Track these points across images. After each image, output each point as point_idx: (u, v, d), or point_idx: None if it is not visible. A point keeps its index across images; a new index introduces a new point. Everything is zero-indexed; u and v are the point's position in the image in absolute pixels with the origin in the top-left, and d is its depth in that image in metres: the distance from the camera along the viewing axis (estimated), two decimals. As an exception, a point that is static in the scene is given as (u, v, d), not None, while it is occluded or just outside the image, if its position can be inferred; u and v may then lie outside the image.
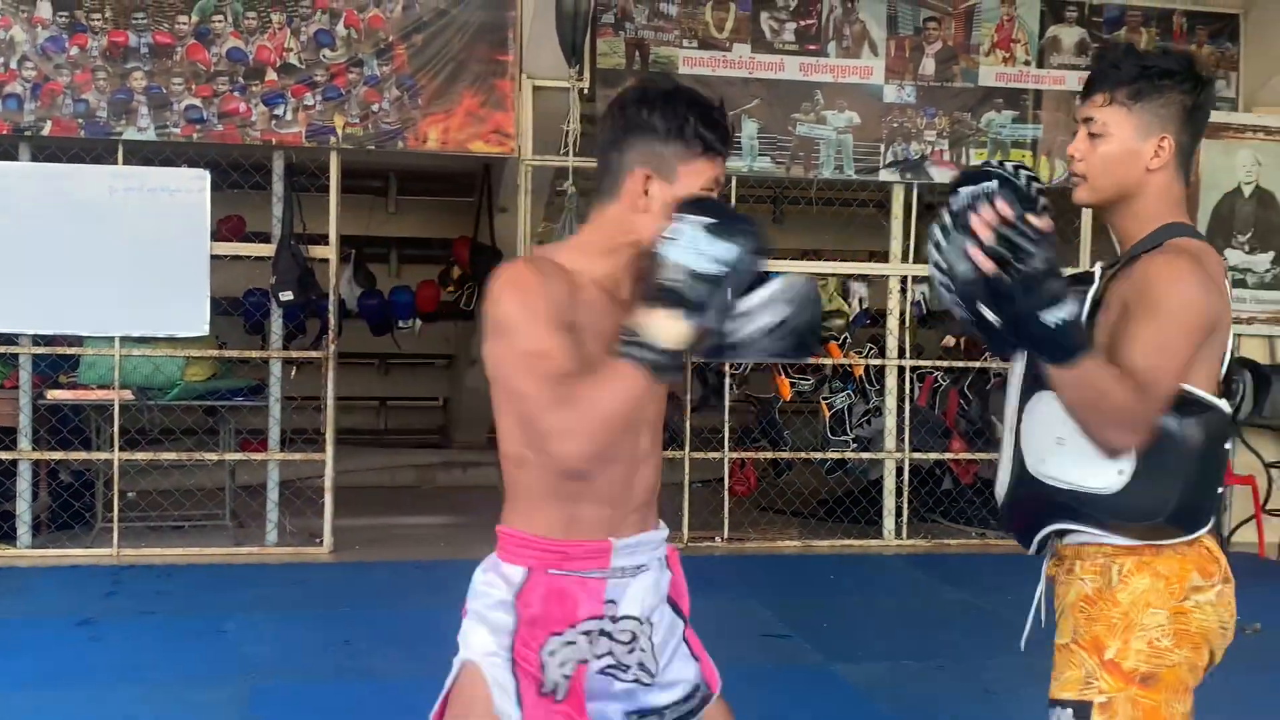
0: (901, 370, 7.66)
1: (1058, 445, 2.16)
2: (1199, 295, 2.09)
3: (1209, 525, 2.22)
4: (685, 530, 7.11)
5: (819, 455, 7.91)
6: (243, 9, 6.62)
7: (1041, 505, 2.23)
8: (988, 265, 1.97)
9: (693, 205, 1.98)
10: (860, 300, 7.88)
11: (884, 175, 7.36)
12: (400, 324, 9.77)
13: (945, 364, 8.11)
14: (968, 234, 1.99)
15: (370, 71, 6.73)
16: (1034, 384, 2.20)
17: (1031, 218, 1.98)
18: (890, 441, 7.62)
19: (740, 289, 1.98)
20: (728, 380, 7.42)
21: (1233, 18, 7.73)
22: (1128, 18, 7.59)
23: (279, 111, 6.65)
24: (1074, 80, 7.49)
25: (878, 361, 7.72)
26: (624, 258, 2.11)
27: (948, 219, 2.04)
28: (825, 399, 7.83)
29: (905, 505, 7.62)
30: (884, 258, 7.70)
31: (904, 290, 7.60)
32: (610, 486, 2.13)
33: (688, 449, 7.24)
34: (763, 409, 8.09)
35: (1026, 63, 7.49)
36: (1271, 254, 7.62)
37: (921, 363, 8.03)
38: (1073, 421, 2.09)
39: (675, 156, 2.05)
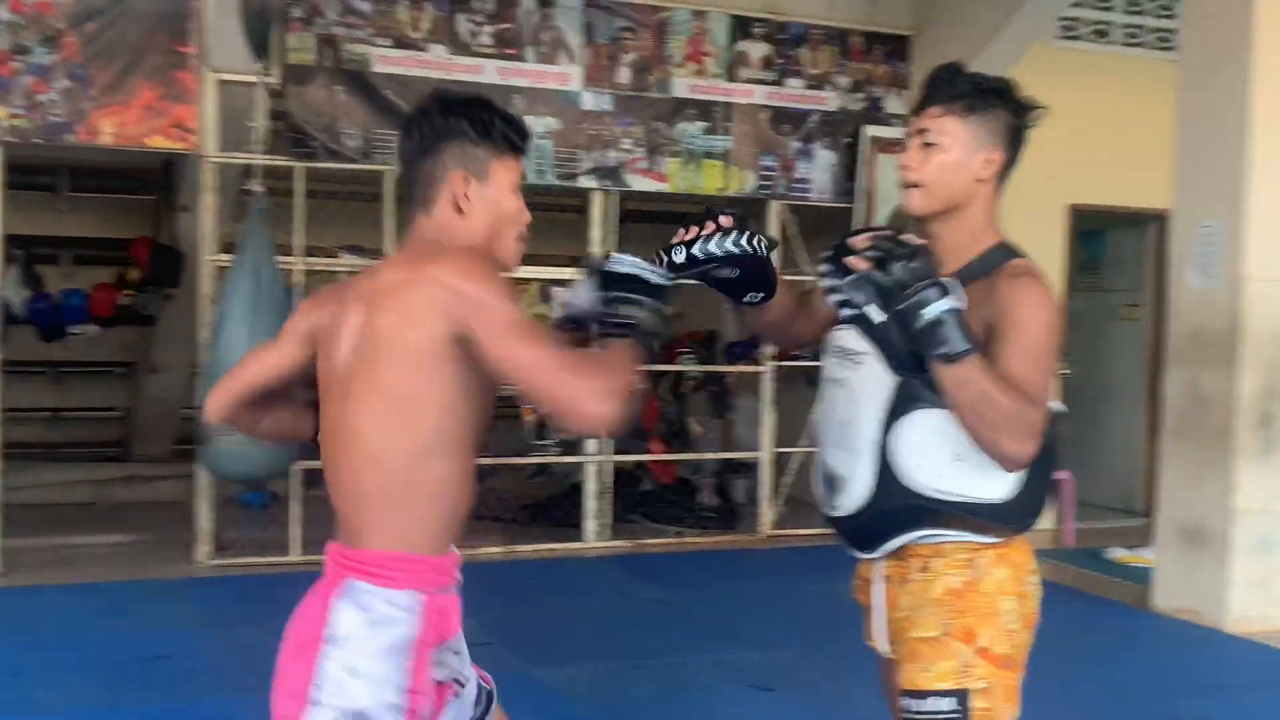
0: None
1: (956, 461, 2.24)
2: (1056, 317, 2.25)
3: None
4: (385, 540, 6.98)
5: (521, 460, 7.96)
6: (-115, -15, 6.07)
7: (911, 515, 2.31)
8: (862, 265, 2.19)
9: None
10: (562, 305, 7.97)
11: (583, 182, 7.48)
12: (73, 330, 9.18)
13: (644, 368, 8.29)
14: (848, 251, 2.23)
15: (37, 60, 6.30)
16: (908, 403, 2.27)
17: (904, 236, 2.19)
18: (592, 444, 7.75)
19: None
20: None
21: (905, 39, 8.28)
22: (810, 35, 8.00)
23: (-71, 99, 6.13)
24: (762, 94, 7.85)
25: (577, 365, 7.82)
26: None
27: (832, 247, 2.28)
28: (527, 404, 7.88)
29: (607, 507, 7.76)
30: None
31: (603, 295, 7.72)
32: (469, 492, 2.11)
33: (387, 457, 7.11)
34: (463, 415, 8.06)
35: (717, 75, 7.78)
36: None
37: (620, 366, 8.17)
38: (966, 435, 2.19)
39: (487, 156, 2.12)
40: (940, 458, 2.26)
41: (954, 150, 2.32)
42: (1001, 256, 2.34)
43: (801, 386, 8.83)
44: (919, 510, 2.30)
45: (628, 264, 2.23)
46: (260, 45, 6.36)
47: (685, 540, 7.96)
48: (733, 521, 8.33)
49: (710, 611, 6.15)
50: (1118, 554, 7.50)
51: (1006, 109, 2.35)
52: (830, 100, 8.05)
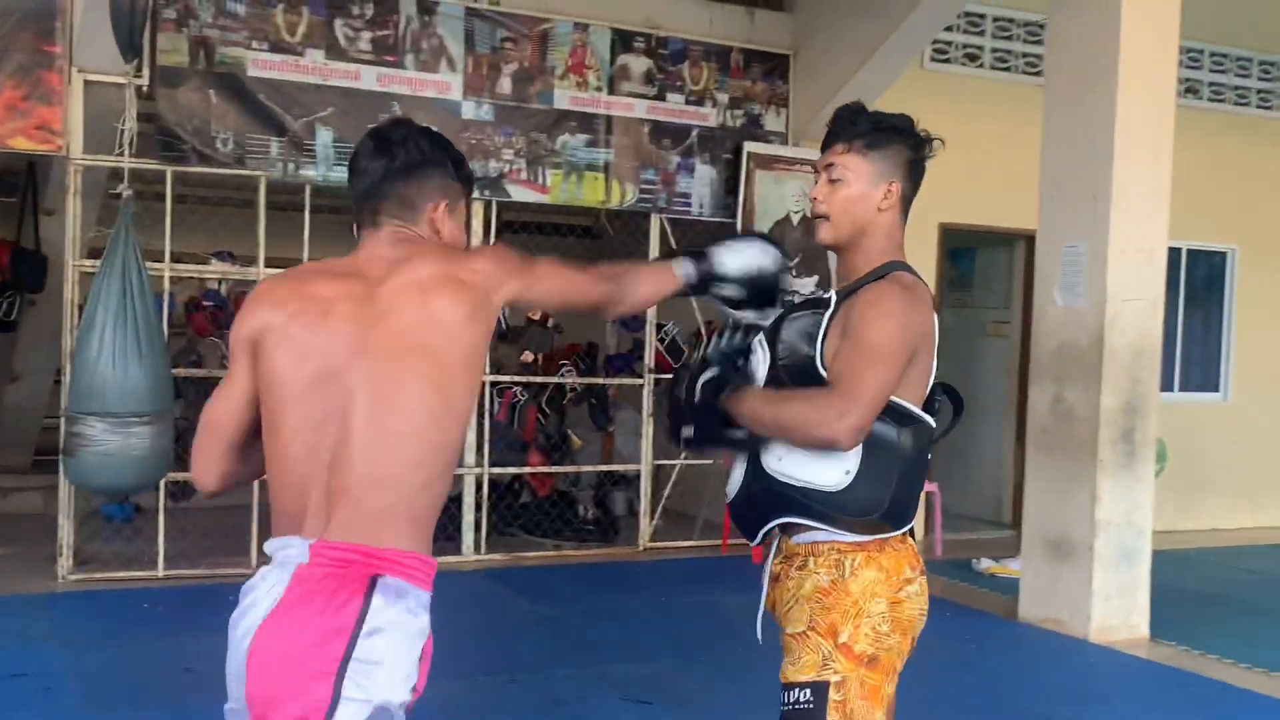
0: (481, 385, 7.72)
1: (792, 448, 2.43)
2: (899, 322, 2.41)
3: (911, 523, 2.53)
4: (254, 555, 6.85)
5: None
6: None
7: (774, 500, 2.48)
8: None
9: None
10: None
11: (462, 191, 7.41)
12: (-75, 336, 8.80)
13: (524, 379, 8.28)
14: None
15: (-111, 53, 6.04)
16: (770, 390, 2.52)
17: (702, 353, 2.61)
18: (469, 456, 7.68)
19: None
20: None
21: (784, 58, 8.40)
22: (689, 51, 8.07)
23: None
24: (643, 108, 7.89)
25: (456, 377, 7.75)
26: None
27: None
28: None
29: (484, 519, 7.71)
30: (463, 273, 7.73)
31: (482, 306, 7.67)
32: None
33: (258, 469, 6.96)
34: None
35: (599, 88, 7.80)
36: (816, 277, 8.32)
37: (500, 378, 8.16)
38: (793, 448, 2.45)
39: (459, 191, 2.33)
40: (783, 443, 2.45)
41: (856, 184, 2.53)
42: (882, 272, 2.51)
43: (680, 399, 8.89)
44: (774, 495, 2.47)
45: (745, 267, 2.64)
46: (130, 46, 6.18)
47: (564, 553, 7.94)
48: (611, 534, 8.33)
49: (588, 625, 6.14)
50: (986, 565, 7.70)
51: (905, 144, 2.55)
52: (710, 116, 8.13)
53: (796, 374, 2.47)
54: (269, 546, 2.12)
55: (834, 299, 2.50)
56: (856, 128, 2.53)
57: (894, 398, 2.41)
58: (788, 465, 2.44)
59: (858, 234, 2.54)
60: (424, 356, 2.09)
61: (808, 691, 2.41)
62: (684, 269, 2.58)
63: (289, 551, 2.08)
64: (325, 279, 2.20)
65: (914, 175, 2.57)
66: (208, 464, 2.23)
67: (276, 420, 2.11)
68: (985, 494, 9.67)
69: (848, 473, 2.40)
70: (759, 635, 2.60)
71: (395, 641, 2.03)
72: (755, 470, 2.50)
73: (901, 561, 2.47)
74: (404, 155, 2.26)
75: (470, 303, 2.12)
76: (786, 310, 2.59)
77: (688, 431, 2.55)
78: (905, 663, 2.50)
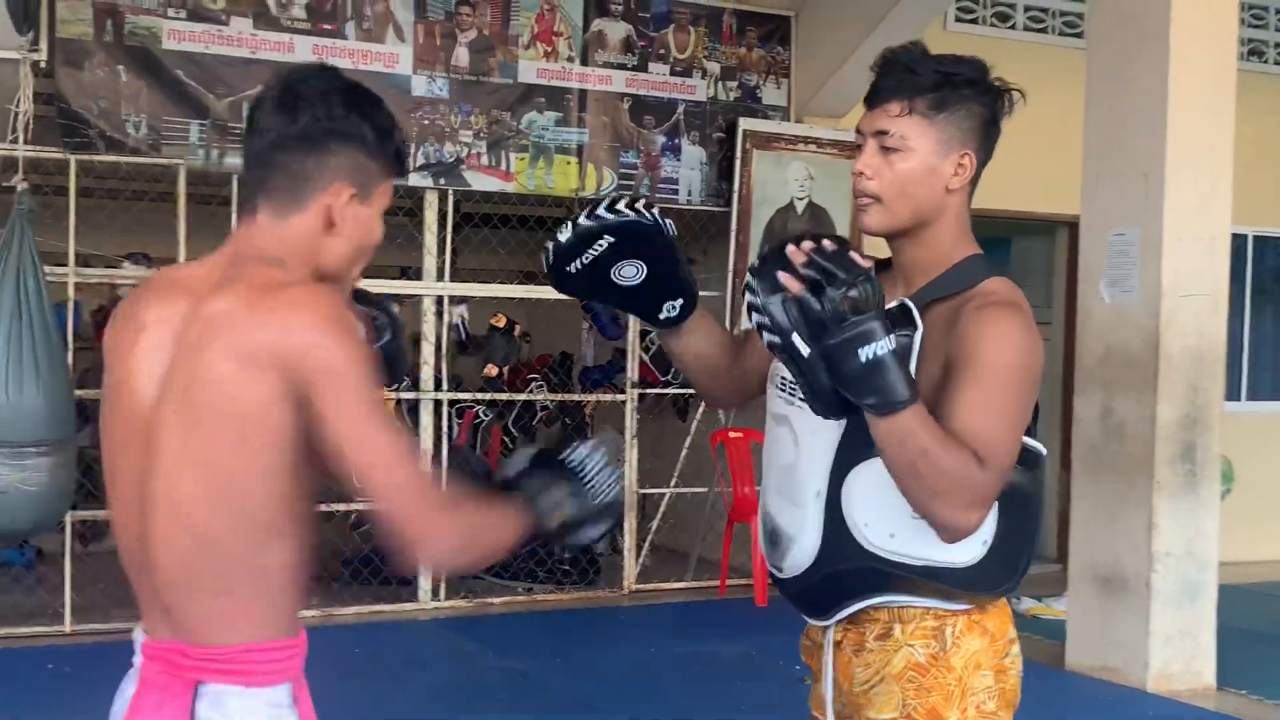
0: (438, 404, 7.69)
1: (914, 519, 2.14)
2: (1031, 355, 2.14)
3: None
4: (177, 605, 6.79)
5: (341, 507, 7.79)
6: None
7: (873, 581, 2.24)
8: (795, 285, 2.00)
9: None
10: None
11: (414, 179, 7.38)
12: None
13: (488, 397, 8.24)
14: (782, 263, 2.03)
15: None
16: (859, 448, 2.18)
17: (851, 254, 2.04)
18: (425, 488, 7.62)
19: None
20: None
21: (784, 20, 8.39)
22: (675, 14, 8.05)
23: None
24: (621, 81, 7.87)
25: (410, 395, 7.70)
26: (307, 275, 2.00)
27: (762, 257, 2.10)
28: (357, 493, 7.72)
29: (443, 561, 7.64)
30: (417, 275, 7.72)
31: (440, 313, 7.64)
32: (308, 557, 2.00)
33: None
34: (273, 454, 7.88)
35: (570, 59, 7.77)
36: (826, 274, 8.29)
37: (461, 395, 8.11)
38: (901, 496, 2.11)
39: (377, 174, 2.03)
40: (895, 515, 2.18)
41: (919, 155, 2.22)
42: (974, 274, 2.25)
43: (670, 417, 8.87)
44: (873, 574, 2.23)
45: (583, 458, 2.19)
46: (25, 15, 6.14)
47: (536, 598, 7.89)
48: (591, 575, 8.29)
49: (562, 681, 6.09)
50: (1028, 605, 7.68)
51: (980, 101, 2.25)
52: (699, 89, 8.11)
53: (831, 404, 2.14)
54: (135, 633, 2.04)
55: (916, 315, 2.17)
56: (919, 79, 2.20)
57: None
58: (904, 543, 2.18)
59: (920, 221, 2.25)
60: (200, 414, 1.86)
61: None
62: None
63: (136, 646, 2.01)
64: (159, 290, 2.00)
65: (990, 139, 2.28)
66: None
67: (107, 476, 1.99)
68: (1025, 522, 9.65)
69: (985, 544, 2.19)
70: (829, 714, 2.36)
71: None
72: (843, 545, 2.23)
73: (1005, 621, 2.31)
74: (307, 117, 1.96)
75: (245, 361, 1.84)
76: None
77: (802, 347, 2.03)
78: None
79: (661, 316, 2.45)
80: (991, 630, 2.28)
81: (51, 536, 6.84)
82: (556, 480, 2.11)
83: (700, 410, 8.36)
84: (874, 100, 2.27)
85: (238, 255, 1.98)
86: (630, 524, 8.12)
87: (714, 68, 8.16)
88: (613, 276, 2.40)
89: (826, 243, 2.06)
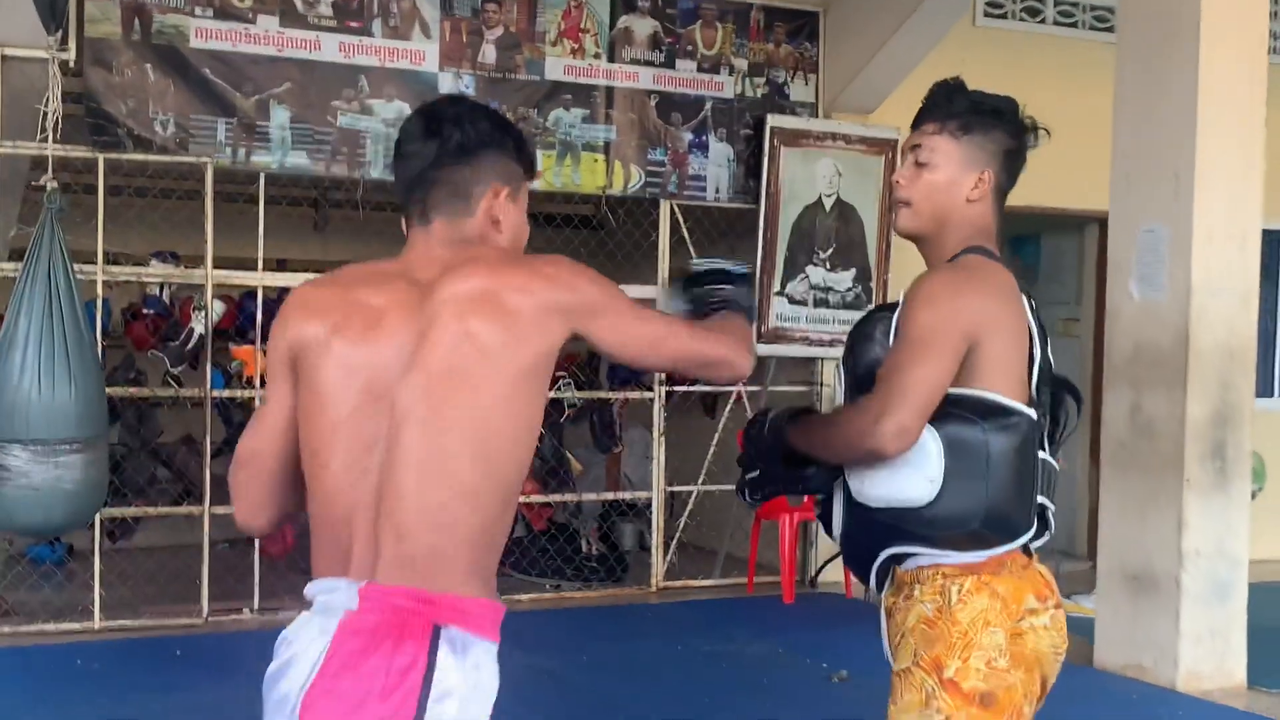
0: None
1: (869, 470, 2.51)
2: (944, 306, 2.48)
3: (1029, 534, 2.56)
4: (205, 602, 6.86)
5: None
6: None
7: (874, 532, 2.57)
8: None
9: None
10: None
11: (440, 177, 7.40)
12: None
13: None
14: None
15: None
16: None
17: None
18: (452, 485, 7.66)
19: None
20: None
21: (812, 15, 8.38)
22: (702, 11, 8.05)
23: None
24: (648, 77, 7.88)
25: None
26: None
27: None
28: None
29: (470, 558, 7.67)
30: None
31: (465, 310, 7.67)
32: None
33: (207, 503, 6.97)
34: (300, 452, 7.92)
35: (597, 55, 7.79)
36: (853, 271, 8.30)
37: (486, 393, 8.13)
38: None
39: (520, 175, 2.34)
40: (859, 467, 2.54)
41: (944, 170, 2.64)
42: (955, 256, 2.63)
43: (698, 414, 8.88)
44: (869, 523, 2.56)
45: (706, 263, 2.65)
46: (53, 15, 6.19)
47: (563, 595, 7.92)
48: (619, 573, 8.31)
49: (589, 678, 6.12)
50: (1056, 603, 7.64)
51: (1004, 130, 2.67)
52: (727, 86, 8.11)
53: (870, 386, 2.54)
54: (309, 590, 2.14)
55: (901, 298, 2.59)
56: (952, 107, 2.64)
57: (974, 389, 2.48)
58: (869, 487, 2.52)
59: (939, 225, 2.65)
60: (465, 379, 2.10)
61: None
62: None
63: (334, 596, 2.08)
64: (373, 283, 2.22)
65: (1012, 166, 2.68)
66: (254, 504, 2.29)
67: (319, 445, 2.14)
68: (1056, 520, 9.61)
69: (931, 481, 2.45)
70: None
71: (467, 706, 2.05)
72: (850, 502, 2.59)
73: (1023, 588, 2.50)
74: (458, 135, 2.27)
75: (513, 326, 2.12)
76: (860, 322, 2.73)
77: (751, 476, 2.73)
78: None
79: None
80: (1003, 594, 2.48)
81: (82, 533, 6.90)
82: (706, 285, 2.58)
83: (728, 408, 8.37)
84: (916, 122, 2.71)
85: (433, 252, 2.24)
86: (658, 522, 8.15)
87: (741, 64, 8.17)
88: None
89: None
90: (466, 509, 2.08)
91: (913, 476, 2.45)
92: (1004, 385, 2.50)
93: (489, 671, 2.11)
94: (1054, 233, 9.85)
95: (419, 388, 2.08)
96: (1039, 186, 8.43)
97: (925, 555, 2.52)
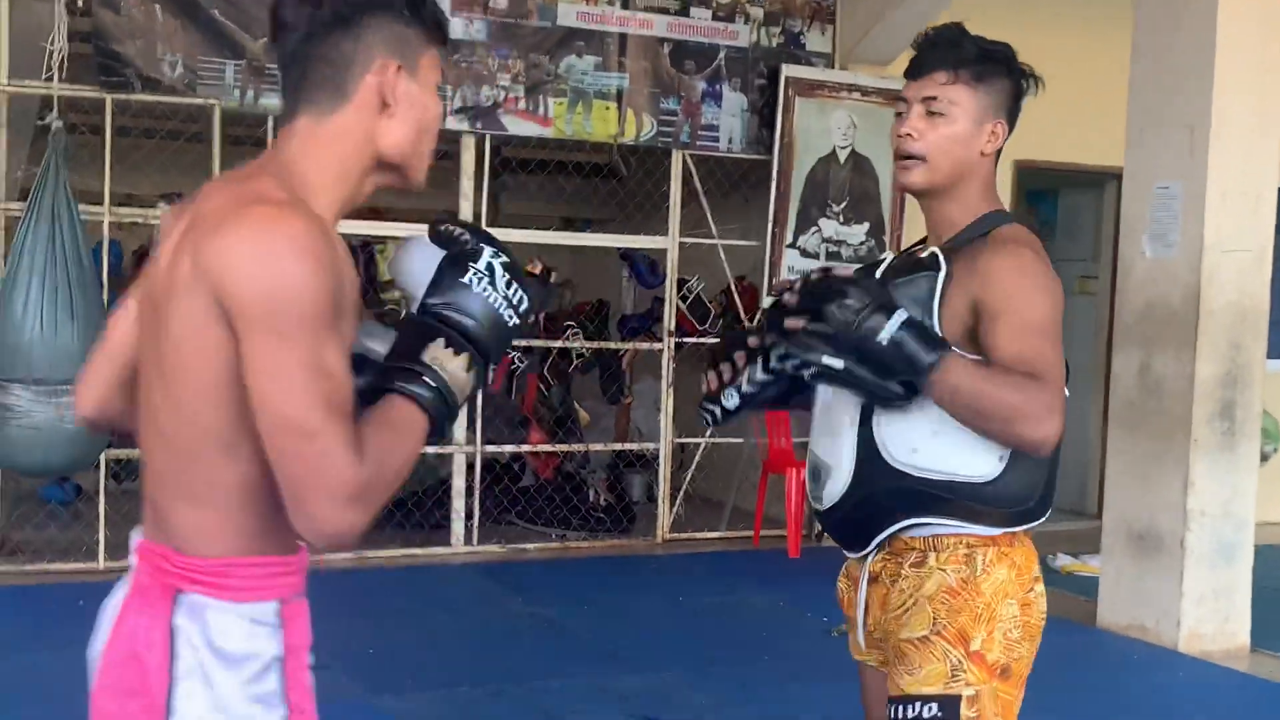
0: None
1: (933, 436, 2.39)
2: (1047, 278, 2.40)
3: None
4: (210, 544, 6.87)
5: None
6: None
7: (903, 500, 2.44)
8: (798, 324, 2.34)
9: (483, 233, 1.91)
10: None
11: (451, 123, 7.38)
12: None
13: (523, 343, 8.26)
14: (780, 314, 2.39)
15: None
16: None
17: (833, 273, 2.39)
18: (459, 433, 7.67)
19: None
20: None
21: (830, -35, 8.30)
22: (718, -41, 7.98)
23: None
24: (662, 25, 7.81)
25: (444, 340, 7.74)
26: (355, 182, 1.89)
27: (761, 323, 2.49)
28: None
29: (477, 506, 7.71)
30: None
31: (475, 258, 7.65)
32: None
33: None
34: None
35: (611, 2, 7.72)
36: (867, 225, 8.24)
37: (495, 342, 8.13)
38: (988, 438, 2.36)
39: (418, 41, 1.88)
40: (917, 431, 2.40)
41: (962, 121, 2.50)
42: (990, 223, 2.51)
43: (708, 367, 8.86)
44: (902, 492, 2.43)
45: (495, 273, 1.86)
46: (60, -48, 6.18)
47: (569, 545, 7.95)
48: (626, 523, 8.32)
49: (590, 628, 6.14)
50: (1063, 562, 7.64)
51: (1010, 77, 2.54)
52: (742, 34, 8.04)
53: (894, 394, 2.42)
54: None
55: (939, 258, 2.45)
56: (962, 53, 2.50)
57: None
58: (926, 457, 2.40)
59: (955, 180, 2.52)
60: (160, 324, 1.81)
61: (934, 706, 2.40)
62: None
63: (132, 546, 1.96)
64: (177, 216, 1.91)
65: (1014, 114, 2.58)
66: (89, 383, 2.05)
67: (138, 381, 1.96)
68: (1066, 479, 9.43)
69: (1001, 459, 2.39)
70: (862, 641, 2.61)
71: (224, 683, 1.82)
72: (874, 467, 2.44)
73: (1032, 557, 2.50)
74: (323, 4, 1.84)
75: (205, 257, 1.73)
76: (883, 275, 2.51)
77: (835, 362, 2.32)
78: None
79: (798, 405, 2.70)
80: (1019, 564, 2.46)
81: (90, 474, 6.94)
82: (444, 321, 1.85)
83: (737, 360, 8.34)
84: (919, 71, 2.55)
85: (256, 168, 1.86)
86: (664, 473, 8.15)
87: (757, 13, 8.09)
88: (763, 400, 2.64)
89: (800, 281, 2.42)
90: (180, 464, 1.83)
91: (986, 452, 2.38)
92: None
93: (251, 636, 1.83)
94: (1072, 189, 9.77)
95: (150, 331, 1.85)
96: (1058, 142, 8.46)
97: (949, 525, 2.43)
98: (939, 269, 2.42)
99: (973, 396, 2.28)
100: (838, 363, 2.32)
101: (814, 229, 8.13)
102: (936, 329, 2.37)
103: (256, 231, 1.69)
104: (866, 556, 2.55)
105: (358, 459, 1.67)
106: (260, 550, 1.83)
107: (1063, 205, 9.99)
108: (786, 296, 2.39)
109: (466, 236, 1.89)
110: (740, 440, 8.36)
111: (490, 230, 2.00)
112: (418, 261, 1.89)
